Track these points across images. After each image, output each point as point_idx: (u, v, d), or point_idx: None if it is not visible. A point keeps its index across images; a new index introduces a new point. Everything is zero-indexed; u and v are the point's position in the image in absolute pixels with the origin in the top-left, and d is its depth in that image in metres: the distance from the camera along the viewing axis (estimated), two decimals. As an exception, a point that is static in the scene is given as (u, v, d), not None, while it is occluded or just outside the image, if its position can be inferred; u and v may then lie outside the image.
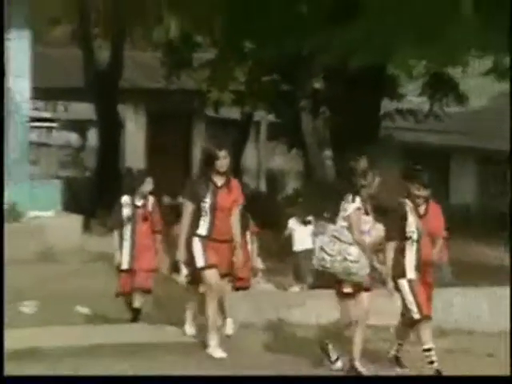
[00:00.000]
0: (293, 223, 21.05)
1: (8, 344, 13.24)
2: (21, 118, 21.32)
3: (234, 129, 32.43)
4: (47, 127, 31.20)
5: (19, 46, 20.74)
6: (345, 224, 12.39)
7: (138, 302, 15.25)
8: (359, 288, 12.46)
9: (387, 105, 28.10)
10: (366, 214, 12.45)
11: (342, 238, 12.37)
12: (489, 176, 32.28)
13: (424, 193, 12.45)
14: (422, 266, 12.44)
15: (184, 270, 13.92)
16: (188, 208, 13.38)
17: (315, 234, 20.36)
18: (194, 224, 13.33)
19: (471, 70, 25.54)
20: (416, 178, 12.74)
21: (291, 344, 14.28)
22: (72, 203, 21.75)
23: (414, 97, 29.46)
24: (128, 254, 15.16)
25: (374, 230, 12.55)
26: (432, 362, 12.41)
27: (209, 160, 13.41)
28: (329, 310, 14.38)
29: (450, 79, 27.35)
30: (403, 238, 12.41)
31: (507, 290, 16.05)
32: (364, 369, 12.40)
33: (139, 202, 15.08)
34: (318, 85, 23.65)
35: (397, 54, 22.68)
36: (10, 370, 12.40)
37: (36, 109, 24.12)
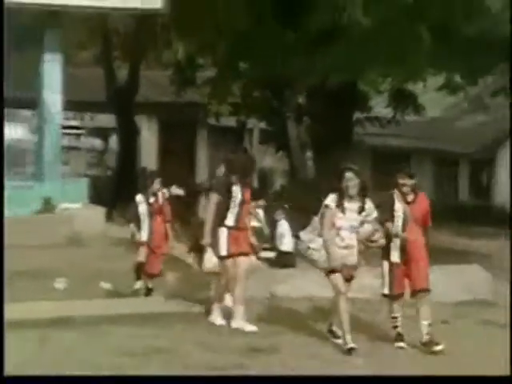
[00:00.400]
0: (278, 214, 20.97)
1: (44, 314, 13.52)
2: (54, 127, 21.38)
3: (231, 135, 32.45)
4: (76, 134, 31.23)
5: (53, 67, 20.81)
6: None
7: (150, 283, 15.39)
8: (347, 273, 12.08)
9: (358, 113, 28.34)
10: (343, 212, 11.94)
11: (316, 228, 12.29)
12: (443, 176, 32.28)
13: (409, 182, 12.20)
14: (407, 247, 12.16)
15: (210, 253, 13.82)
16: (214, 199, 13.27)
17: (272, 222, 20.33)
18: (221, 216, 13.27)
19: (428, 86, 25.62)
20: (401, 170, 12.62)
21: (280, 313, 14.31)
22: (96, 197, 21.81)
23: (381, 108, 29.43)
24: (146, 237, 15.23)
25: (362, 228, 12.21)
26: (396, 327, 12.30)
27: (251, 165, 13.64)
28: (311, 286, 14.47)
29: (410, 93, 27.43)
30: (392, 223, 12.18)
31: (458, 267, 16.12)
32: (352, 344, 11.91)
33: (151, 200, 15.16)
34: (301, 99, 23.65)
35: (367, 73, 22.78)
36: (47, 335, 12.53)
37: (67, 118, 24.11)
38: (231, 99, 27.43)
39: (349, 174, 11.92)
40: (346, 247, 11.98)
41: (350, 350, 11.67)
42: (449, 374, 11.16)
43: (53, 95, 21.07)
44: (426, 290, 12.42)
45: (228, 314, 13.66)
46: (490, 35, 19.26)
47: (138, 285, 15.30)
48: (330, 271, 12.05)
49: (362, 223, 12.12)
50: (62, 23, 20.95)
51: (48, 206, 20.30)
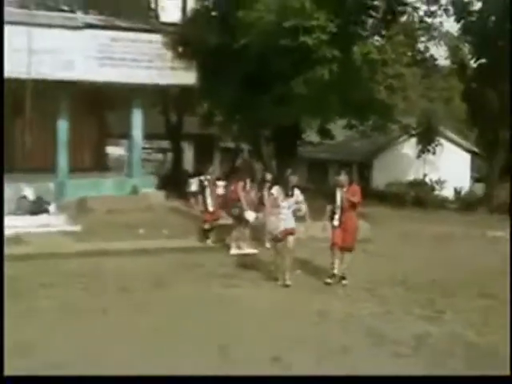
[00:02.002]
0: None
1: (133, 247, 13.69)
2: (138, 148, 21.23)
3: (232, 152, 32.48)
4: (148, 152, 31.25)
5: (137, 117, 20.74)
6: None
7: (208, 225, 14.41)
8: (286, 232, 11.13)
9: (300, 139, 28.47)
10: (291, 196, 11.21)
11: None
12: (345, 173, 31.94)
13: (339, 178, 11.43)
14: (342, 218, 11.08)
15: (250, 212, 13.65)
16: (242, 187, 13.73)
17: None
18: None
19: (337, 125, 25.75)
20: (336, 174, 12.16)
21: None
22: (159, 185, 21.77)
23: (313, 136, 29.39)
24: (211, 204, 14.26)
25: (301, 207, 11.44)
26: (332, 269, 11.25)
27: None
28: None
29: (327, 129, 27.28)
30: (335, 203, 11.19)
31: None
32: (290, 282, 10.96)
33: (209, 177, 14.52)
34: (267, 132, 23.61)
35: (304, 119, 22.96)
36: (135, 259, 12.79)
37: (144, 143, 24.09)
38: (232, 133, 27.46)
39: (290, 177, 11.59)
40: (285, 219, 11.10)
41: (287, 285, 10.87)
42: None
43: (137, 131, 20.90)
44: (350, 249, 11.36)
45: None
46: (370, 100, 19.47)
47: (209, 242, 14.37)
48: (273, 239, 11.38)
49: (297, 203, 11.32)
50: (140, 93, 21.06)
51: (135, 190, 20.22)
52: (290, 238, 11.19)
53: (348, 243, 11.28)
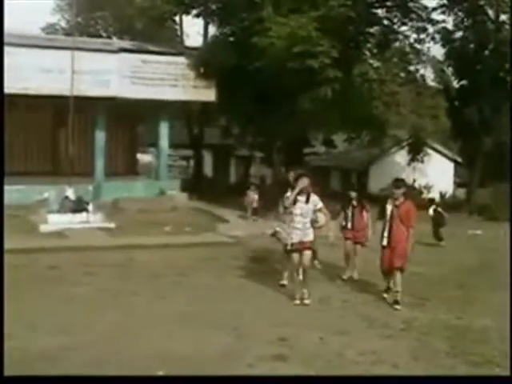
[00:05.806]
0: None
1: (159, 242, 13.64)
2: (164, 155, 21.46)
3: (246, 159, 32.56)
4: (174, 159, 31.34)
5: (164, 129, 20.97)
6: None
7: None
8: (302, 246, 8.80)
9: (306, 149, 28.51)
10: (295, 203, 8.75)
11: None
12: (345, 179, 31.49)
13: (395, 191, 8.97)
14: (391, 236, 9.01)
15: None
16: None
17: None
18: None
19: (340, 137, 25.79)
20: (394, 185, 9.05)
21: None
22: (183, 188, 21.84)
23: (319, 146, 29.41)
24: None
25: (318, 216, 8.77)
26: (388, 289, 9.31)
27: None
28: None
29: (331, 140, 27.42)
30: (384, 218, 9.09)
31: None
32: (309, 300, 8.91)
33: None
34: (278, 143, 23.59)
35: (310, 132, 23.01)
36: (160, 251, 12.67)
37: (170, 151, 24.19)
38: (246, 143, 27.43)
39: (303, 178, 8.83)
40: (299, 229, 8.71)
41: (306, 304, 8.88)
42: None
43: (164, 141, 21.11)
44: (400, 268, 9.02)
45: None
46: (366, 115, 19.58)
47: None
48: (290, 250, 8.90)
49: (314, 212, 8.75)
50: (167, 108, 21.21)
51: (162, 192, 20.39)
52: (306, 253, 8.84)
53: (395, 263, 8.96)
